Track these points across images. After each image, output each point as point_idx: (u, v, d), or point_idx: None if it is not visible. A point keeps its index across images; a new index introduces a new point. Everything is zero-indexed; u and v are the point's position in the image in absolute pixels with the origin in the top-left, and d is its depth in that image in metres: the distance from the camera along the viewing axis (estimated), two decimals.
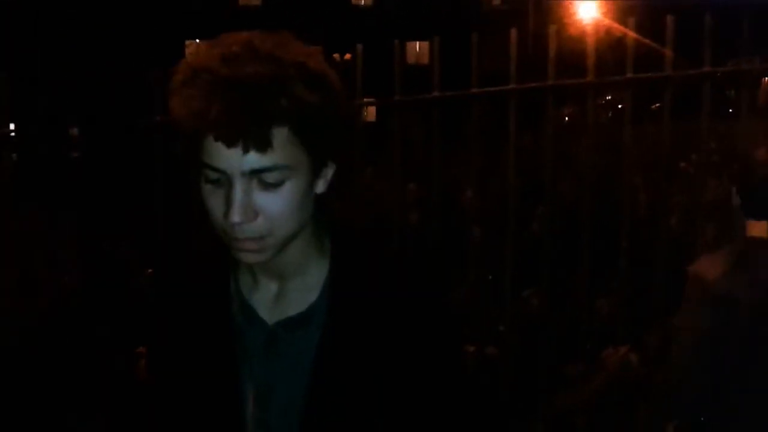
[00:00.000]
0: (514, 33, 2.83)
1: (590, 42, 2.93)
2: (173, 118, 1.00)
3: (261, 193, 1.02)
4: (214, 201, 1.03)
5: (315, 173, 1.07)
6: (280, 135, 0.99)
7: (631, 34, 2.90)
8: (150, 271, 2.42)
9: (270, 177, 1.01)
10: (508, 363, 2.81)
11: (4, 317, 2.75)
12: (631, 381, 2.72)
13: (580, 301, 2.86)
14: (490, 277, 2.93)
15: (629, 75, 2.86)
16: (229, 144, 0.98)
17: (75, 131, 3.66)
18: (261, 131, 0.97)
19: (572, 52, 3.09)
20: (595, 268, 2.87)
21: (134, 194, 3.28)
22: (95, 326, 2.75)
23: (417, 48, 25.16)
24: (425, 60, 24.58)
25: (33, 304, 2.91)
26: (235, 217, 1.00)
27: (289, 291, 1.13)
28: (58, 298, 2.98)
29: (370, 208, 3.01)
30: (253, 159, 0.99)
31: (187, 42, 26.54)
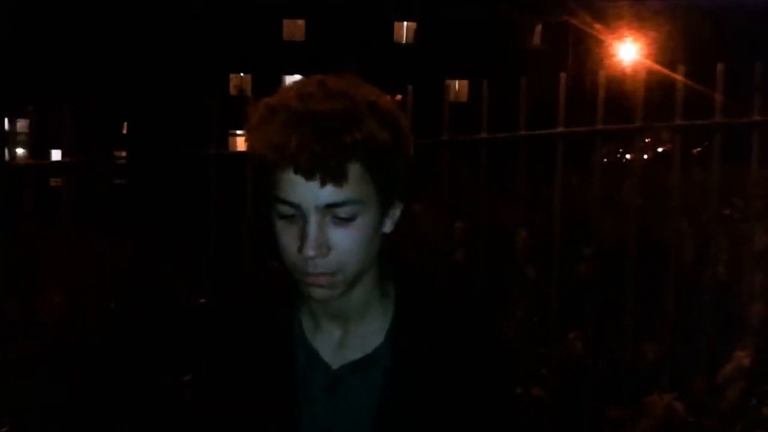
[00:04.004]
0: (563, 77, 2.86)
1: (639, 86, 2.94)
2: (252, 154, 1.04)
3: (334, 229, 1.04)
4: (288, 237, 1.06)
5: (383, 210, 1.09)
6: (353, 170, 1.02)
7: (680, 79, 2.91)
8: (202, 300, 2.46)
9: (343, 212, 1.03)
10: (552, 405, 2.79)
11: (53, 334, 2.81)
12: (676, 429, 2.68)
13: (625, 345, 2.84)
14: (536, 319, 2.92)
15: (678, 121, 2.87)
16: (308, 177, 1.01)
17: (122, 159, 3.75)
18: (337, 164, 1.00)
19: (613, 95, 3.09)
20: (641, 312, 2.85)
21: (187, 224, 3.34)
22: (138, 351, 2.78)
23: (456, 86, 25.33)
24: (463, 98, 24.77)
25: (78, 327, 2.96)
26: (310, 251, 1.03)
27: (351, 336, 1.14)
28: (104, 322, 3.02)
29: (419, 245, 3.03)
30: (329, 193, 1.02)
31: (232, 75, 27.06)
